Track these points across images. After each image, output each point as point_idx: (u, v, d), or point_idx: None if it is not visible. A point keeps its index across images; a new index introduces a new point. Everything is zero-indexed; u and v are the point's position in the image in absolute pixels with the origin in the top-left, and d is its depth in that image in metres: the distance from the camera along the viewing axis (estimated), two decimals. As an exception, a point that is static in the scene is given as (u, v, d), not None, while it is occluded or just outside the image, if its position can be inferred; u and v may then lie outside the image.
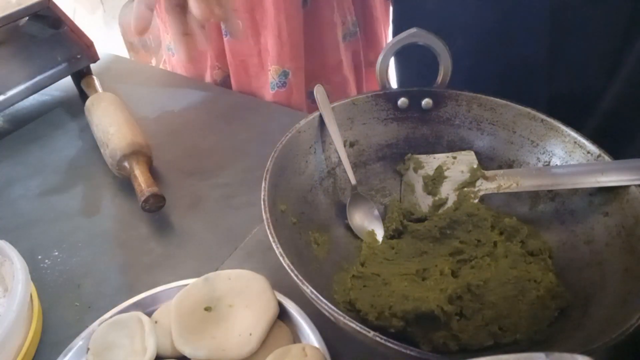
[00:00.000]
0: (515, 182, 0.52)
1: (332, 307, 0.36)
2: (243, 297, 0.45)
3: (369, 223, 0.53)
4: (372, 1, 0.89)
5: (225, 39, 0.83)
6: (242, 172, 0.65)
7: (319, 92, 0.54)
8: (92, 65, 0.80)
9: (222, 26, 0.82)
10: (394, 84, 0.72)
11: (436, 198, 0.55)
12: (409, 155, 0.57)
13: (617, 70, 0.61)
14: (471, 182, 0.54)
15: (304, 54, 0.82)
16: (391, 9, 0.77)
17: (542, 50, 0.62)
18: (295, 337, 0.44)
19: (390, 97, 0.57)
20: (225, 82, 0.90)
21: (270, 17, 0.77)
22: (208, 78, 0.90)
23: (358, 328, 0.35)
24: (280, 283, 0.46)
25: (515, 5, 0.60)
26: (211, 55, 0.87)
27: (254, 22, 0.79)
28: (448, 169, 0.56)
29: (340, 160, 0.53)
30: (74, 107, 0.78)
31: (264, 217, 0.42)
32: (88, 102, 0.71)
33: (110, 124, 0.65)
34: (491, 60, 0.65)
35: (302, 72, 0.84)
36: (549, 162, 0.52)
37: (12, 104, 0.72)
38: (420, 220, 0.53)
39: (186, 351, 0.41)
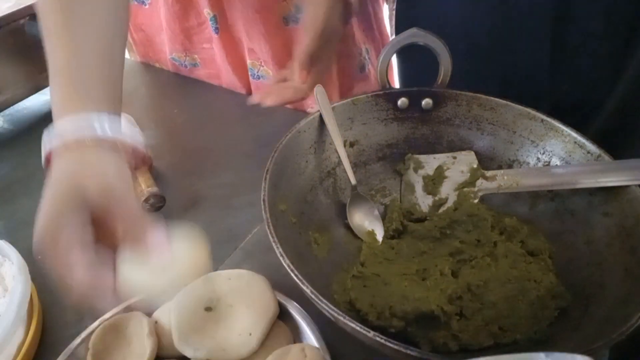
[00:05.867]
0: (515, 182, 0.52)
1: (332, 307, 0.36)
2: (243, 297, 0.45)
3: (369, 223, 0.53)
4: (383, 21, 0.87)
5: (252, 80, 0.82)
6: (242, 172, 0.65)
7: (319, 92, 0.54)
8: (92, 65, 0.80)
9: (250, 71, 0.80)
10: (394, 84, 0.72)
11: (436, 198, 0.55)
12: (409, 155, 0.57)
13: (620, 74, 0.61)
14: (471, 182, 0.54)
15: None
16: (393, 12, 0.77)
17: (544, 55, 0.62)
18: (295, 337, 0.44)
19: (390, 97, 0.57)
20: None
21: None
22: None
23: (358, 328, 0.35)
24: (280, 283, 0.46)
25: (518, 10, 0.59)
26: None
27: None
28: (448, 169, 0.55)
29: (340, 160, 0.53)
30: (74, 107, 0.78)
31: (264, 217, 0.42)
32: (88, 102, 0.71)
33: (110, 124, 0.65)
34: (494, 65, 0.65)
35: None
36: (549, 162, 0.52)
37: (12, 104, 0.72)
38: (420, 220, 0.53)
39: (186, 351, 0.41)
